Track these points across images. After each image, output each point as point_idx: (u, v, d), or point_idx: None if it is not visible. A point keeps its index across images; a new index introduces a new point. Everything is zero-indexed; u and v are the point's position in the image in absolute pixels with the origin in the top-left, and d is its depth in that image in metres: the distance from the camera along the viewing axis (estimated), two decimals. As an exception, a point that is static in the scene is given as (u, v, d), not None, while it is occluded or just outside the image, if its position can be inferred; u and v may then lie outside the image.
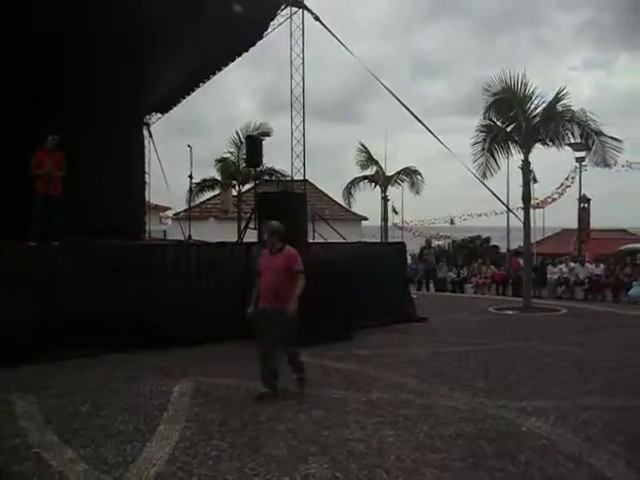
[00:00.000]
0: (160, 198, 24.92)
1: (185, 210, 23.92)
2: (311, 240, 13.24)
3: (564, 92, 14.05)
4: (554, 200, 29.36)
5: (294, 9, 14.79)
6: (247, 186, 24.20)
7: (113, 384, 6.94)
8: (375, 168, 23.73)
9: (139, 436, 5.05)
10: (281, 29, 15.11)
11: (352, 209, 28.28)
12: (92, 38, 11.90)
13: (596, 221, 26.98)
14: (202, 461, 4.50)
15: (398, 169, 24.10)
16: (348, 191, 23.99)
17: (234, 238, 13.79)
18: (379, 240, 22.57)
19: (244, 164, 21.03)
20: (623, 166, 24.21)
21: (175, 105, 20.16)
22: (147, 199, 17.92)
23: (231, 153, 23.50)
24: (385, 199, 24.49)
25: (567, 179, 28.08)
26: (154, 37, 12.79)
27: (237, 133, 22.98)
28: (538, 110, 14.31)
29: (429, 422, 5.41)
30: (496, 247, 37.15)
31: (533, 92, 14.26)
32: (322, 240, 13.96)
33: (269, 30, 15.11)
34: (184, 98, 19.39)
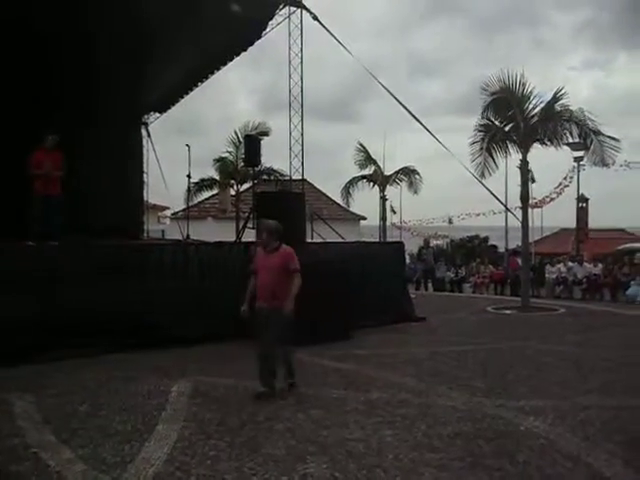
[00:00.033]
0: (158, 198, 24.93)
1: (183, 210, 23.92)
2: (309, 240, 13.25)
3: (562, 92, 14.08)
4: (552, 200, 29.36)
5: (292, 9, 14.76)
6: (245, 186, 24.20)
7: (112, 384, 6.94)
8: (373, 167, 23.77)
9: (137, 436, 5.05)
10: (279, 29, 15.09)
11: (350, 209, 28.31)
12: (92, 38, 11.89)
13: (594, 221, 27.01)
14: (200, 461, 4.50)
15: (396, 168, 24.18)
16: (346, 190, 24.02)
17: (232, 238, 13.79)
18: (377, 240, 22.59)
19: (242, 164, 21.02)
20: (621, 166, 24.22)
21: (173, 105, 20.15)
22: (145, 199, 17.92)
23: (229, 153, 23.51)
24: (383, 199, 24.52)
25: (565, 179, 28.09)
26: (153, 37, 12.79)
27: (235, 133, 22.99)
28: (536, 110, 14.34)
29: (427, 422, 5.42)
30: (494, 247, 37.16)
31: (531, 92, 14.29)
32: (320, 240, 13.96)
33: (267, 30, 15.09)
34: (182, 98, 19.38)
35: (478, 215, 35.49)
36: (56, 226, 9.92)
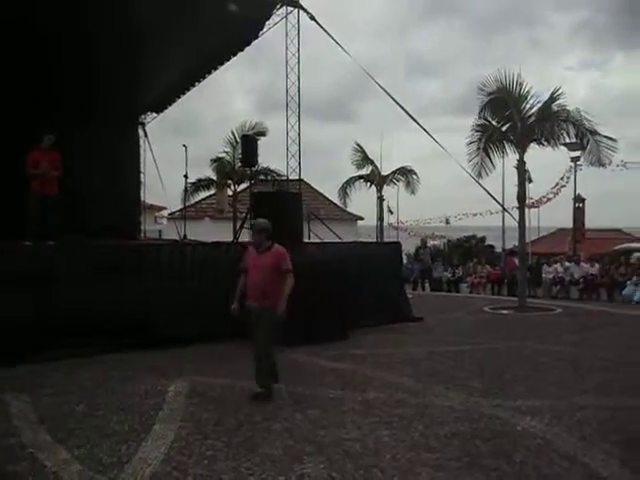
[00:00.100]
0: (155, 198, 24.77)
1: (180, 210, 23.89)
2: (306, 240, 13.25)
3: (559, 92, 14.12)
4: (549, 200, 29.35)
5: (290, 8, 14.78)
6: (242, 186, 24.23)
7: (108, 384, 6.93)
8: (370, 167, 23.74)
9: (134, 436, 5.04)
10: (277, 28, 15.10)
11: (348, 209, 28.27)
12: (91, 38, 11.86)
13: (591, 221, 27.01)
14: (197, 461, 4.50)
15: (393, 168, 24.14)
16: (343, 191, 24.00)
17: (229, 238, 13.78)
18: (375, 240, 22.58)
19: (239, 164, 21.03)
20: (618, 166, 24.23)
21: (170, 105, 20.10)
22: (142, 199, 17.88)
23: (226, 153, 23.52)
24: (380, 199, 24.50)
25: (562, 179, 28.07)
26: (150, 37, 12.76)
27: (232, 133, 23.01)
28: (533, 110, 14.36)
29: (424, 422, 5.42)
30: (491, 247, 37.19)
31: (528, 92, 14.31)
32: (318, 240, 13.95)
33: (265, 29, 15.09)
34: (179, 97, 19.33)
35: (475, 215, 35.51)
36: (53, 226, 9.91)
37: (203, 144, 70.62)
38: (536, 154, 15.29)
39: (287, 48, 14.96)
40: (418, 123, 15.27)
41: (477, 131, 14.89)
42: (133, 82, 14.09)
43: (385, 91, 14.87)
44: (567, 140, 15.09)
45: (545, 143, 14.49)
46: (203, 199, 28.15)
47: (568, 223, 26.08)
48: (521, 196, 14.77)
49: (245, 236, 11.47)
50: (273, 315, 5.97)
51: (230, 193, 24.94)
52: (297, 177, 15.95)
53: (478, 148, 14.75)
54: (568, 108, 14.12)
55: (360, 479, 4.17)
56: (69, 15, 11.25)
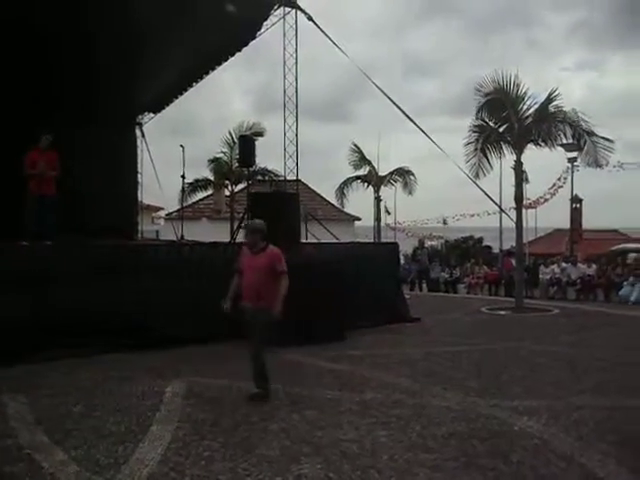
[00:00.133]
0: (152, 198, 24.81)
1: (178, 210, 23.84)
2: (304, 240, 13.25)
3: (556, 93, 14.13)
4: (546, 200, 29.44)
5: (287, 9, 14.77)
6: (240, 186, 24.16)
7: (106, 384, 6.92)
8: (368, 168, 23.73)
9: (131, 437, 5.04)
10: (274, 29, 15.09)
11: (345, 209, 28.28)
12: (91, 38, 11.85)
13: (588, 221, 27.15)
14: (194, 461, 4.50)
15: (391, 169, 24.13)
16: (341, 191, 23.98)
17: (227, 238, 13.78)
18: (372, 240, 22.58)
19: (237, 164, 21.01)
20: (615, 166, 24.38)
21: (168, 105, 20.08)
22: (140, 199, 17.86)
23: (224, 153, 23.48)
24: (378, 199, 24.49)
25: (559, 179, 28.18)
26: (147, 37, 12.75)
27: (230, 133, 22.99)
28: (530, 111, 14.36)
29: (422, 422, 5.42)
30: (489, 247, 37.17)
31: (525, 93, 14.32)
32: (315, 240, 13.96)
33: (262, 30, 15.07)
34: (177, 98, 19.31)
35: (472, 216, 35.60)
36: (50, 226, 9.90)
37: (200, 144, 70.47)
38: (533, 155, 15.31)
39: (285, 49, 14.96)
40: (415, 124, 15.31)
41: (474, 132, 14.89)
42: (132, 82, 14.06)
43: (382, 91, 14.91)
44: (564, 141, 15.10)
45: (542, 144, 14.49)
46: (200, 199, 28.11)
47: (565, 224, 26.17)
48: (518, 197, 14.78)
49: (242, 236, 11.46)
50: (267, 316, 5.98)
51: (227, 193, 24.91)
52: (294, 177, 15.94)
53: (475, 149, 14.74)
54: (565, 109, 14.14)
55: None
56: (69, 15, 11.23)
